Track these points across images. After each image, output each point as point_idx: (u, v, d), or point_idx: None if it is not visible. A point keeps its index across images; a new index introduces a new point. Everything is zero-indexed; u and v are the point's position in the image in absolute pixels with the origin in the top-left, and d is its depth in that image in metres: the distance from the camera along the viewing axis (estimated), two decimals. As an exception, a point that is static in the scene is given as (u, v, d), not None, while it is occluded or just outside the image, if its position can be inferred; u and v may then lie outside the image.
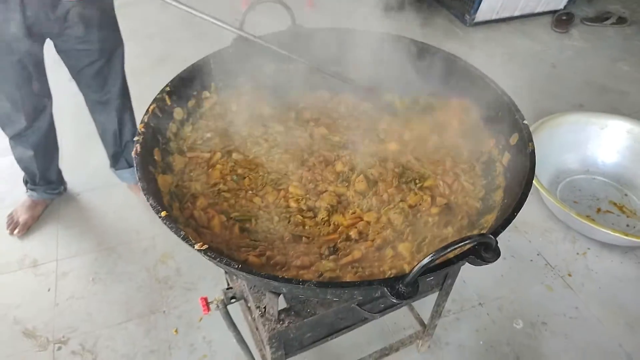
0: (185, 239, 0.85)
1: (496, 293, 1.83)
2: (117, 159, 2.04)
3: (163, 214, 0.88)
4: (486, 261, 0.80)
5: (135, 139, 1.04)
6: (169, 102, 1.17)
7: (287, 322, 1.04)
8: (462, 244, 0.73)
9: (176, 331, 1.67)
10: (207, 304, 1.23)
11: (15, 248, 1.93)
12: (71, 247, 1.94)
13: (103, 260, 1.90)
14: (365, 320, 1.21)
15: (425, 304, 1.65)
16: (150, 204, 0.91)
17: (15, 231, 1.96)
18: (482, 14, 3.48)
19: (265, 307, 1.05)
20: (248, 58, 1.32)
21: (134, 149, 1.01)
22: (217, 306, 1.22)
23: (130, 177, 2.09)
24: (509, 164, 1.11)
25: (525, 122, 1.08)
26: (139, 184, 0.95)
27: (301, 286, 0.79)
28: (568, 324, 1.74)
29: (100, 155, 2.09)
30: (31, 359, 1.59)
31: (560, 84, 3.01)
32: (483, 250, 0.80)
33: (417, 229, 1.05)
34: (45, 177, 1.99)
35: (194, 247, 0.84)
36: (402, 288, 0.75)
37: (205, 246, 0.84)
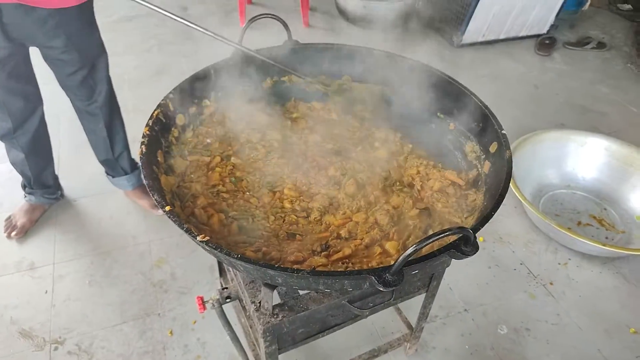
0: (188, 231, 0.91)
1: (481, 300, 1.90)
2: (112, 166, 2.08)
3: (167, 208, 0.95)
4: (466, 254, 0.87)
5: (141, 140, 1.10)
6: (172, 108, 1.24)
7: (281, 316, 1.10)
8: (444, 235, 0.80)
9: (171, 332, 1.71)
10: (202, 302, 1.28)
11: (13, 251, 1.97)
12: (68, 251, 1.99)
13: (99, 264, 1.94)
14: (355, 318, 1.27)
15: (412, 309, 1.71)
16: (155, 200, 0.97)
17: (13, 234, 2.00)
18: (469, 36, 3.63)
19: (260, 302, 1.11)
20: (247, 69, 1.40)
21: (140, 150, 1.08)
22: (213, 305, 1.27)
23: (127, 183, 2.13)
24: (489, 171, 1.20)
25: (503, 131, 1.16)
26: (140, 185, 1.01)
27: (295, 275, 0.85)
28: (550, 330, 1.81)
29: (96, 162, 2.14)
30: (28, 358, 1.62)
31: (542, 104, 3.14)
32: (463, 244, 0.87)
33: (401, 229, 1.13)
34: (40, 181, 2.03)
35: (196, 239, 0.90)
36: (389, 277, 0.82)
37: (207, 238, 0.90)
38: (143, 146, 1.09)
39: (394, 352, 1.66)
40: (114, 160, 2.04)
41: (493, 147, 1.19)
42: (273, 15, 1.36)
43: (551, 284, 1.99)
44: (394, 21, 3.78)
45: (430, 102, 1.39)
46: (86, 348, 1.65)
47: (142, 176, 1.03)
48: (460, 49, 3.68)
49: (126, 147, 2.03)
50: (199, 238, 0.90)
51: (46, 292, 1.82)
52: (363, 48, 1.44)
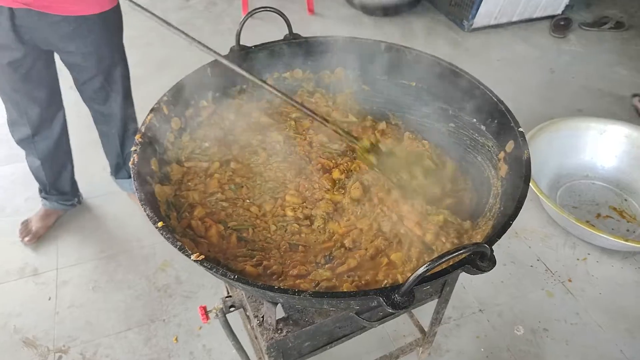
0: (182, 249, 0.85)
1: (496, 299, 1.83)
2: (119, 169, 2.07)
3: (160, 224, 0.89)
4: (482, 270, 0.80)
5: (133, 149, 1.04)
6: (166, 112, 1.17)
7: (285, 332, 1.04)
8: (457, 253, 0.73)
9: (176, 339, 1.67)
10: (206, 312, 1.23)
11: (16, 257, 1.94)
12: (71, 255, 1.95)
13: (103, 268, 1.90)
14: (364, 329, 1.21)
15: (425, 311, 1.64)
16: (147, 215, 0.91)
17: (26, 239, 1.97)
18: (480, 19, 3.50)
19: (263, 317, 1.06)
20: (246, 67, 1.32)
21: (131, 159, 1.02)
22: (216, 315, 1.22)
23: (129, 187, 2.11)
24: (505, 172, 1.11)
25: (520, 129, 1.08)
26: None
27: (297, 296, 0.79)
28: (569, 330, 1.74)
29: (100, 164, 2.10)
30: (31, 368, 1.59)
31: (558, 89, 3.02)
32: (479, 259, 0.80)
33: (404, 237, 1.05)
34: (56, 187, 1.99)
35: (190, 257, 0.84)
36: (398, 298, 0.75)
37: (202, 257, 0.84)
38: (135, 155, 1.03)
39: (405, 358, 1.60)
40: (122, 163, 2.03)
41: (509, 146, 1.10)
42: (273, 9, 1.28)
43: (570, 280, 1.91)
44: (402, 6, 3.66)
45: (438, 96, 1.30)
46: (90, 357, 1.61)
47: (134, 187, 0.97)
48: (471, 33, 3.55)
49: None
50: (193, 257, 0.84)
51: (49, 298, 1.79)
52: (369, 41, 1.35)
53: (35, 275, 1.87)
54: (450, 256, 0.73)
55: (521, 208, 0.92)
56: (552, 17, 3.69)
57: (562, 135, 2.31)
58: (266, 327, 1.05)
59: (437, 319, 1.45)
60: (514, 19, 3.62)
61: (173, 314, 1.74)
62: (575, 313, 1.79)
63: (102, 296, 1.81)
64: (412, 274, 0.73)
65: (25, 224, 2.02)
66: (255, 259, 1.00)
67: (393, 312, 0.76)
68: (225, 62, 1.14)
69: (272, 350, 1.06)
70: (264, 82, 1.16)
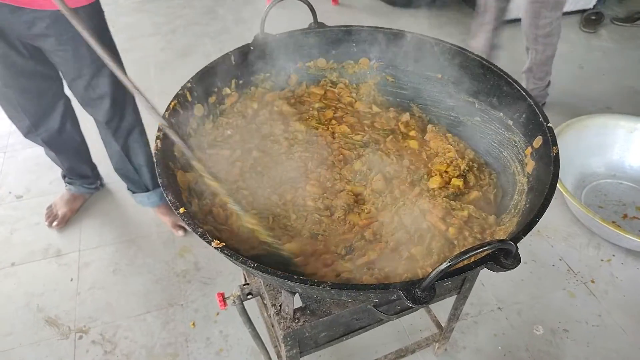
0: (202, 236, 0.85)
1: (516, 298, 1.80)
2: (132, 180, 1.93)
3: (181, 210, 0.89)
4: (506, 268, 0.78)
5: (156, 134, 1.04)
6: (189, 98, 1.17)
7: (302, 321, 1.04)
8: (481, 250, 0.71)
9: (193, 324, 1.69)
10: (223, 299, 1.24)
11: (40, 238, 1.99)
12: (93, 238, 1.99)
13: (124, 252, 1.93)
14: (381, 322, 1.21)
15: (442, 306, 1.63)
16: (169, 201, 0.91)
17: (54, 224, 2.00)
18: (509, 12, 3.41)
19: (280, 306, 1.06)
20: (270, 55, 1.32)
21: (155, 145, 1.02)
22: (234, 302, 1.23)
23: (147, 201, 1.99)
24: (532, 169, 1.09)
25: (549, 124, 1.05)
26: (163, 203, 0.93)
27: (316, 287, 0.78)
28: (590, 332, 1.70)
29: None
30: (53, 346, 1.63)
31: (587, 86, 2.93)
32: (503, 256, 0.78)
33: (424, 232, 1.04)
34: (77, 172, 2.01)
35: (211, 244, 0.85)
36: (419, 292, 0.74)
37: (222, 244, 0.84)
38: (158, 141, 1.03)
39: (421, 352, 1.59)
40: (134, 172, 1.89)
41: (537, 142, 1.08)
42: (298, -5, 1.26)
43: (593, 281, 1.87)
44: (428, -3, 3.60)
45: (464, 89, 1.27)
46: (110, 338, 1.65)
47: (157, 173, 0.97)
48: (498, 26, 3.47)
49: (147, 162, 1.87)
50: (213, 244, 0.84)
51: (71, 279, 1.83)
52: (394, 31, 1.33)
53: (58, 257, 1.92)
54: (474, 252, 0.71)
55: (548, 205, 0.90)
56: (582, 11, 3.58)
57: (590, 133, 2.25)
58: (283, 316, 1.05)
59: (455, 315, 1.43)
60: (544, 12, 3.52)
61: (191, 299, 1.77)
62: (598, 315, 1.75)
63: (122, 279, 1.84)
64: (433, 269, 0.71)
65: (51, 208, 2.06)
66: (274, 248, 1.00)
67: (413, 306, 0.75)
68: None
69: (288, 339, 1.07)
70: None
